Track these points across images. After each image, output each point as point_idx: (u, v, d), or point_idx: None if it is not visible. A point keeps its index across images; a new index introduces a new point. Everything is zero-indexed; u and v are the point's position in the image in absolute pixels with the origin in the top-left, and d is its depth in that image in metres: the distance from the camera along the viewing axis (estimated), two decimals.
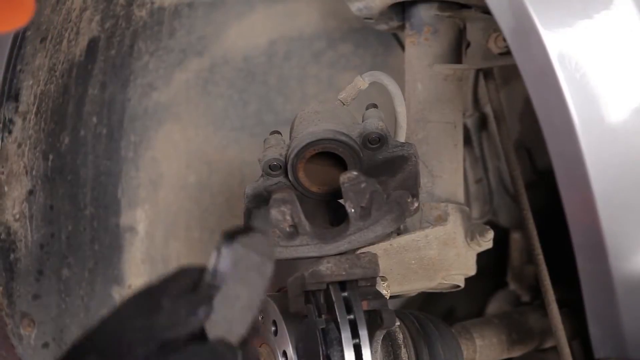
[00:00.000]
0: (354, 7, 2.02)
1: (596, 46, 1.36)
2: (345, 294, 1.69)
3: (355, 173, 1.66)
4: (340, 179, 1.67)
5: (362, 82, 1.86)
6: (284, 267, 1.80)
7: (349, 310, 1.67)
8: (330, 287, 1.69)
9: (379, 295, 1.73)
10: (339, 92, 1.90)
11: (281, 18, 2.56)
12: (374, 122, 1.79)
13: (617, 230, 1.37)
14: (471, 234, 1.93)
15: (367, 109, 1.86)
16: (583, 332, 1.52)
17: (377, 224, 1.69)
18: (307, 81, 2.61)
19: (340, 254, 1.71)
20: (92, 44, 2.36)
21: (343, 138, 1.79)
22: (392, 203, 1.69)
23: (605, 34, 1.36)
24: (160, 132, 2.56)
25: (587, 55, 1.36)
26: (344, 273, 1.69)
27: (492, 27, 1.93)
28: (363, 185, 1.66)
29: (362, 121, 1.83)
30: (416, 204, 1.72)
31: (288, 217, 1.68)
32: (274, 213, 1.68)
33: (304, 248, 1.70)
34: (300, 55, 2.59)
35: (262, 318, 1.78)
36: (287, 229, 1.69)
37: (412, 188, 1.71)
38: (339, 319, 1.65)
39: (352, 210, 1.67)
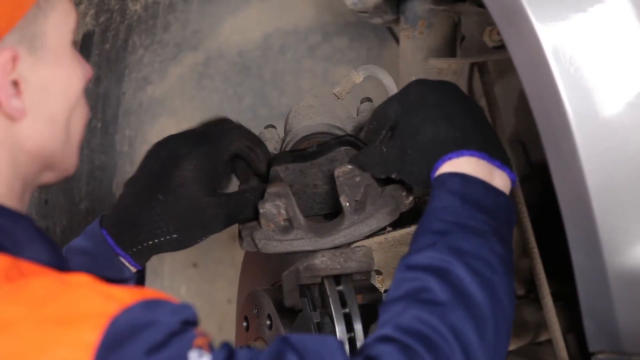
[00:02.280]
0: (349, 1, 2.02)
1: (591, 40, 1.36)
2: (340, 287, 1.69)
3: (349, 167, 1.66)
4: (334, 172, 1.67)
5: (357, 76, 1.86)
6: (278, 261, 1.80)
7: (343, 304, 1.67)
8: (325, 281, 1.69)
9: (374, 289, 1.73)
10: (334, 85, 1.90)
11: (276, 12, 2.56)
12: (369, 116, 1.79)
13: (612, 224, 1.37)
14: None
15: (361, 102, 1.86)
16: (578, 326, 1.52)
17: (372, 217, 1.69)
18: (302, 75, 2.61)
19: (335, 247, 1.70)
20: (87, 38, 2.35)
21: (337, 131, 1.80)
22: (386, 197, 1.69)
23: (600, 27, 1.36)
24: (155, 126, 2.55)
25: (581, 49, 1.36)
26: (338, 267, 1.69)
27: (487, 20, 1.93)
28: (357, 179, 1.66)
29: (357, 115, 1.83)
30: (410, 198, 1.71)
31: (283, 211, 1.68)
32: (269, 207, 1.68)
33: (299, 242, 1.70)
34: (295, 49, 2.59)
35: (257, 312, 1.78)
36: (282, 223, 1.69)
37: (406, 183, 1.71)
38: (333, 313, 1.65)
39: (347, 204, 1.67)
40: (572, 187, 1.37)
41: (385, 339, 1.33)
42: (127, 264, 1.69)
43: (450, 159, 1.51)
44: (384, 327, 1.36)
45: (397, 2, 2.05)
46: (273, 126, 1.88)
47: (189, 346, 1.20)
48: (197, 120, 2.55)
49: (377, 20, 2.13)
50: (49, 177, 1.44)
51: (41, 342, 1.17)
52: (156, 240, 1.67)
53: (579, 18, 1.36)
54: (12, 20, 1.33)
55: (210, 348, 1.22)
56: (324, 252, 1.69)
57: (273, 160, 1.74)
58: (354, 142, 1.72)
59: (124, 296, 1.22)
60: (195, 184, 1.67)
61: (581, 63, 1.35)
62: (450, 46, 2.03)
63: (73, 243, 1.72)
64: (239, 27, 2.55)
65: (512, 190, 1.55)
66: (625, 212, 1.37)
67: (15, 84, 1.34)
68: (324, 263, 1.68)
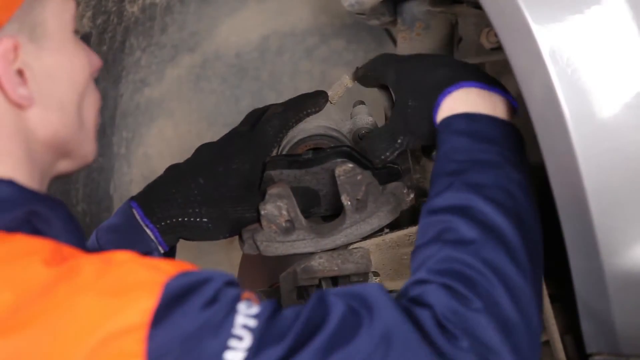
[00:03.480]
0: (346, 3, 2.02)
1: (588, 41, 1.36)
2: None
3: (350, 165, 1.66)
4: (335, 171, 1.67)
5: (348, 80, 1.86)
6: (276, 263, 1.80)
7: None
8: (323, 282, 1.69)
9: None
10: (331, 87, 1.90)
11: (273, 14, 2.56)
12: (364, 118, 1.79)
13: (609, 225, 1.37)
14: None
15: (354, 106, 1.86)
16: (575, 328, 1.51)
17: (374, 216, 1.69)
18: (299, 77, 2.61)
19: (336, 248, 1.70)
20: (84, 40, 2.35)
21: (334, 134, 1.80)
22: (387, 195, 1.69)
23: (597, 29, 1.36)
24: (152, 128, 2.55)
25: (578, 51, 1.36)
26: (336, 268, 1.69)
27: (484, 22, 1.93)
28: (359, 177, 1.66)
29: (351, 118, 1.83)
30: (412, 195, 1.71)
31: (284, 212, 1.68)
32: (270, 208, 1.67)
33: (301, 243, 1.70)
34: (293, 50, 2.59)
35: None
36: (284, 224, 1.69)
37: (406, 180, 1.71)
38: None
39: (348, 202, 1.67)
40: (570, 188, 1.37)
41: (422, 282, 1.35)
42: (153, 238, 1.69)
43: (449, 92, 1.53)
44: (417, 273, 1.38)
45: (394, 3, 2.05)
46: None
47: (238, 298, 1.26)
48: (194, 122, 2.57)
49: (375, 22, 2.12)
50: (66, 166, 1.45)
51: (101, 313, 1.21)
52: (185, 219, 1.69)
53: (576, 20, 1.36)
54: (9, 9, 1.34)
55: (257, 301, 1.27)
56: (321, 253, 1.69)
57: (268, 163, 1.74)
58: (350, 152, 1.72)
59: (168, 267, 1.27)
60: (238, 176, 1.70)
61: (578, 65, 1.35)
62: (448, 48, 2.03)
63: (103, 223, 1.74)
64: (236, 29, 2.55)
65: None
66: (623, 213, 1.37)
67: (20, 72, 1.35)
68: (321, 265, 1.68)
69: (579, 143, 1.35)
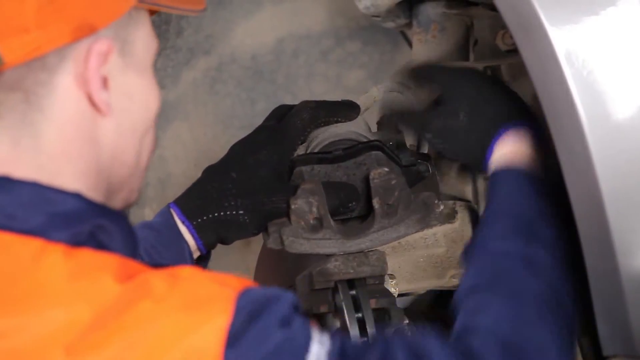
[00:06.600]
0: (362, 5, 2.02)
1: (603, 43, 1.36)
2: (354, 292, 1.68)
3: (386, 169, 1.65)
4: (370, 174, 1.66)
5: (377, 92, 1.87)
6: (292, 266, 1.80)
7: (357, 308, 1.67)
8: (339, 285, 1.68)
9: (387, 293, 1.72)
10: (347, 90, 1.90)
11: (289, 16, 2.56)
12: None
13: (625, 227, 1.37)
14: None
15: (380, 119, 1.85)
16: (592, 330, 1.51)
17: (402, 223, 1.68)
18: (315, 79, 2.61)
19: (361, 252, 1.70)
20: None
21: (365, 140, 1.79)
22: (418, 203, 1.68)
23: (613, 30, 1.36)
24: (168, 131, 2.56)
25: (594, 53, 1.35)
26: (352, 271, 1.68)
27: (500, 24, 1.93)
28: (393, 182, 1.65)
29: (377, 130, 1.83)
30: (441, 207, 1.71)
31: (314, 209, 1.66)
32: (301, 203, 1.66)
33: (326, 242, 1.69)
34: (308, 53, 2.60)
35: None
36: (312, 222, 1.67)
37: (435, 192, 1.71)
38: (347, 317, 1.65)
39: (379, 206, 1.66)
40: (585, 189, 1.37)
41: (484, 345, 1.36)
42: (190, 238, 1.68)
43: (507, 129, 1.57)
44: (475, 321, 1.39)
45: (409, 6, 2.05)
46: None
47: (309, 324, 1.26)
48: (210, 125, 2.57)
49: (390, 24, 2.13)
50: (118, 201, 1.41)
51: (177, 331, 1.21)
52: (222, 213, 1.68)
53: (591, 21, 1.36)
54: (110, 16, 1.32)
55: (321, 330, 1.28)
56: (337, 256, 1.69)
57: (297, 160, 1.73)
58: (382, 147, 1.71)
59: (234, 282, 1.27)
60: (268, 167, 1.70)
61: (594, 66, 1.35)
62: (463, 50, 2.03)
63: (139, 222, 1.73)
64: (251, 32, 2.55)
65: None
66: (639, 214, 1.37)
67: (104, 80, 1.33)
68: (337, 267, 1.68)
69: (594, 144, 1.35)
